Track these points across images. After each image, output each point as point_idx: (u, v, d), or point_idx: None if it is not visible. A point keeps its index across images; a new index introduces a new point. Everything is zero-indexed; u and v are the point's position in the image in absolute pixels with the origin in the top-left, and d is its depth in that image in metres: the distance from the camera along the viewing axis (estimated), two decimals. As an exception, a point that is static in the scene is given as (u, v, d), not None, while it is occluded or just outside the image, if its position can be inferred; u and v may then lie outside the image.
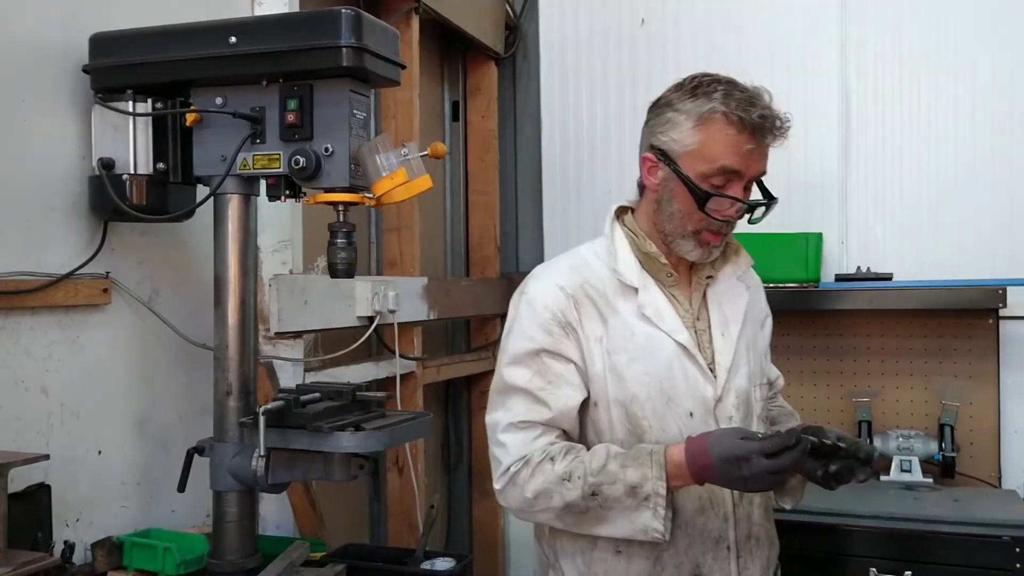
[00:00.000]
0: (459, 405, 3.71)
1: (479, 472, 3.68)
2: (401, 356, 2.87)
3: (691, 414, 1.53)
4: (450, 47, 3.65)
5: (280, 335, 2.22)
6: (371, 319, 2.55)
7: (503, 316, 3.62)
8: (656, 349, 1.53)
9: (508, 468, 1.47)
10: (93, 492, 1.78)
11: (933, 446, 2.95)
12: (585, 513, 1.44)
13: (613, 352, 1.51)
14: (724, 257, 1.63)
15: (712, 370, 1.56)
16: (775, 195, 1.55)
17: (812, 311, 3.25)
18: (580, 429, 1.54)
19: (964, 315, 3.07)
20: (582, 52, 3.60)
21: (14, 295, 1.58)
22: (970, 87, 3.09)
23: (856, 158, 3.24)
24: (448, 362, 3.26)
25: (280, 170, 1.58)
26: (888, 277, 3.03)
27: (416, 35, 2.97)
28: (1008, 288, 2.96)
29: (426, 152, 1.65)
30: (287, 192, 1.62)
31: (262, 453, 1.47)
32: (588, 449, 1.50)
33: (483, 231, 3.71)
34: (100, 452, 1.81)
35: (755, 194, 1.56)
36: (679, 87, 1.53)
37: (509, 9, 3.70)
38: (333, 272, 1.58)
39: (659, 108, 1.54)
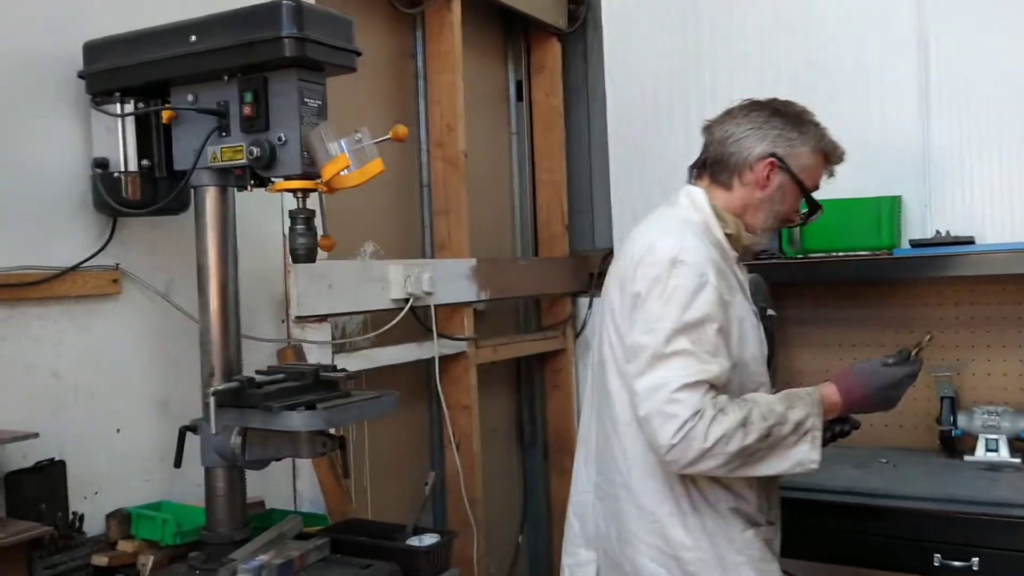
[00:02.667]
0: (532, 383, 3.72)
1: (556, 449, 3.68)
2: (449, 337, 2.93)
3: (762, 375, 1.81)
4: (512, 26, 3.64)
5: (302, 319, 2.30)
6: (406, 301, 2.61)
7: (575, 294, 3.73)
8: (753, 317, 1.81)
9: (685, 423, 1.58)
10: (111, 467, 1.92)
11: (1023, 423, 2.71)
12: (752, 455, 1.61)
13: (741, 319, 1.74)
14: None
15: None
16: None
17: (887, 280, 3.05)
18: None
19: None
20: (645, 24, 3.50)
21: (19, 287, 1.73)
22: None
23: (937, 115, 2.99)
24: (507, 341, 3.28)
25: (243, 161, 1.64)
26: (969, 240, 2.79)
27: (457, 18, 2.99)
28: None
29: (387, 136, 1.66)
30: (252, 182, 1.69)
31: (214, 431, 1.54)
32: (750, 396, 1.69)
33: (550, 209, 3.69)
34: (118, 430, 1.95)
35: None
36: (782, 108, 1.84)
37: (573, -16, 3.65)
38: (294, 257, 1.63)
39: (787, 122, 1.81)
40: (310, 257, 1.63)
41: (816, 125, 1.85)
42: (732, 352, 1.69)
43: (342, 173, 1.57)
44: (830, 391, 1.71)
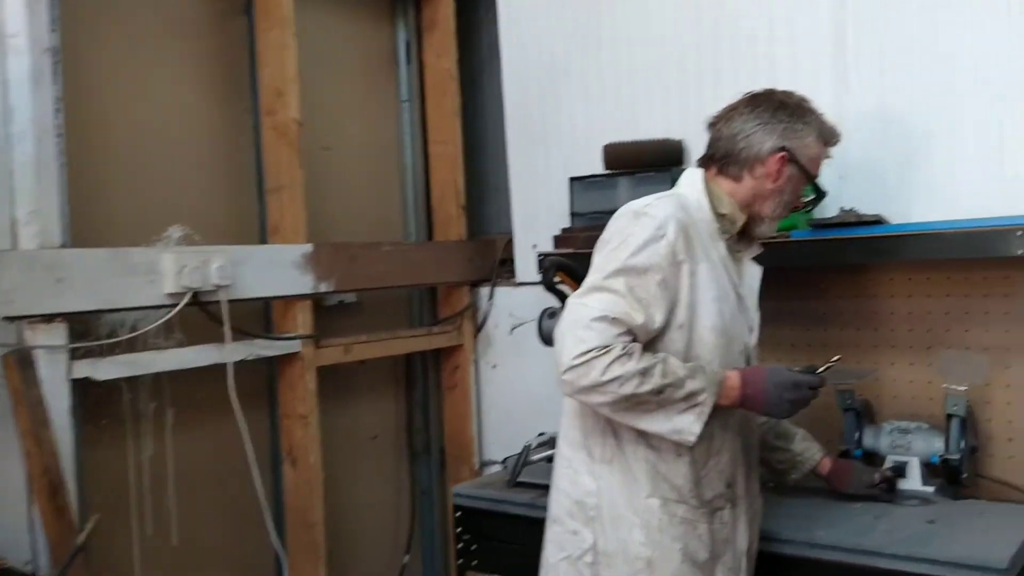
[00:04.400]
0: (426, 384, 3.32)
1: (453, 457, 3.29)
2: (269, 336, 2.56)
3: (739, 353, 1.83)
4: (398, -22, 3.22)
5: (22, 319, 1.95)
6: (193, 295, 2.24)
7: (474, 283, 3.31)
8: (728, 294, 1.80)
9: (591, 350, 1.61)
10: None
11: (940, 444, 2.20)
12: (639, 406, 1.64)
13: (705, 287, 1.74)
14: (748, 241, 1.93)
15: (749, 325, 1.89)
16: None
17: (782, 268, 2.55)
18: (658, 347, 1.71)
19: (991, 267, 2.26)
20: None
21: None
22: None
23: (856, 81, 2.46)
24: (386, 337, 2.88)
25: None
26: (876, 220, 2.27)
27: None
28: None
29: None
30: None
31: None
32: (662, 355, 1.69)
33: (444, 188, 3.27)
34: None
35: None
36: (785, 100, 1.88)
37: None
38: None
39: (792, 114, 1.86)
40: None
41: (814, 112, 1.89)
42: (678, 314, 1.72)
43: None
44: (733, 377, 1.73)
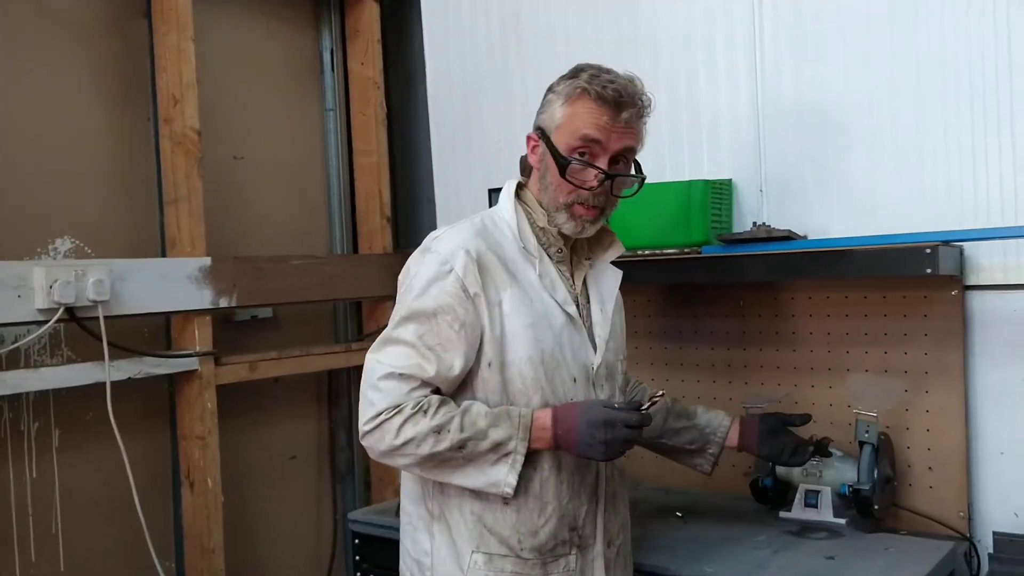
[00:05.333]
0: (351, 402, 3.21)
1: (378, 479, 3.17)
2: (165, 354, 2.45)
3: (575, 379, 1.63)
4: (322, -15, 3.13)
5: None
6: (68, 310, 2.13)
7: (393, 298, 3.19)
8: (550, 317, 1.61)
9: (380, 413, 1.51)
10: None
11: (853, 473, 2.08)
12: (446, 463, 1.52)
13: (513, 316, 1.58)
14: (601, 244, 1.75)
15: (592, 342, 1.67)
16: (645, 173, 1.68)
17: (692, 285, 2.45)
18: (469, 389, 1.58)
19: (909, 286, 2.15)
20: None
21: None
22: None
23: (773, 75, 2.36)
24: (278, 357, 2.76)
25: None
26: (786, 236, 2.16)
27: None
28: (968, 245, 2.04)
29: None
30: None
31: None
32: (466, 404, 1.55)
33: (369, 198, 3.16)
34: None
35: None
36: (563, 75, 1.64)
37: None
38: None
39: (545, 94, 1.65)
40: None
41: (573, 78, 1.61)
42: (485, 352, 1.57)
43: None
44: (543, 417, 1.55)
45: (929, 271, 1.89)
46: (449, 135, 3.03)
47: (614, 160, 1.61)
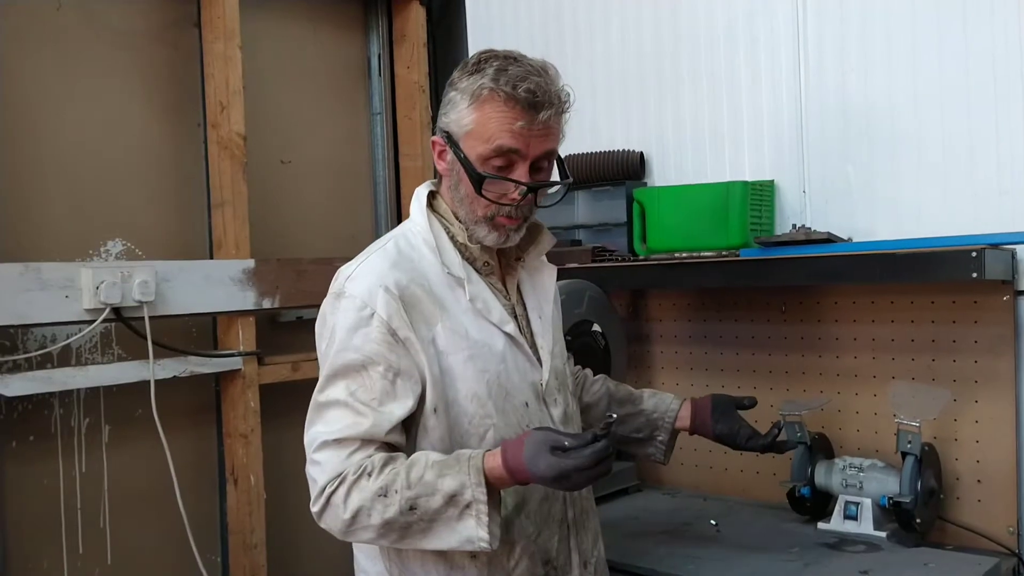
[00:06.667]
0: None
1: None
2: (209, 354, 2.51)
3: (527, 404, 1.49)
4: (372, -9, 3.16)
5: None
6: (115, 311, 2.19)
7: None
8: (490, 343, 1.46)
9: (324, 488, 1.36)
10: None
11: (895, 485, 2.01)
12: (408, 528, 1.34)
13: (450, 352, 1.42)
14: (530, 238, 1.55)
15: (536, 355, 1.53)
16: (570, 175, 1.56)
17: (731, 289, 2.40)
18: (416, 438, 1.42)
19: (959, 290, 2.07)
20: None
21: None
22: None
23: (817, 76, 2.30)
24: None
25: None
26: (826, 239, 2.10)
27: (229, -20, 2.53)
28: (1020, 248, 1.97)
29: None
30: None
31: None
32: (414, 456, 1.38)
33: (414, 202, 3.18)
34: None
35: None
36: (463, 65, 1.46)
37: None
38: None
39: (446, 88, 1.47)
40: None
41: (482, 71, 1.41)
42: (429, 397, 1.40)
43: None
44: (493, 456, 1.35)
45: (975, 275, 1.82)
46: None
47: (534, 166, 1.43)
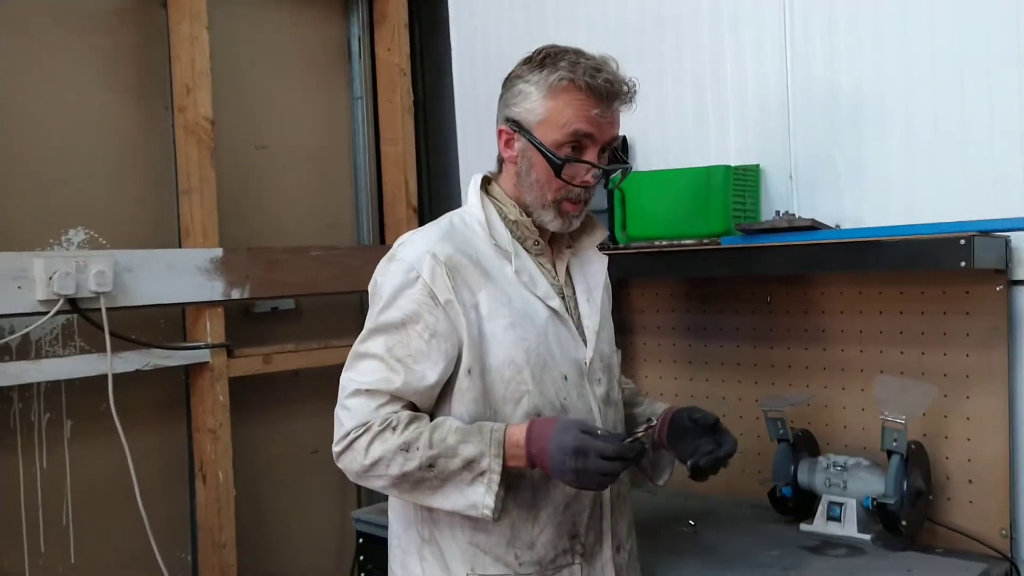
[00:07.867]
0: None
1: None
2: (173, 347, 2.43)
3: (566, 377, 1.53)
4: (351, -29, 3.07)
5: None
6: (71, 302, 2.12)
7: None
8: (532, 314, 1.52)
9: (348, 433, 1.44)
10: None
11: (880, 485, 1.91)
12: (421, 483, 1.43)
13: (491, 318, 1.49)
14: (583, 229, 1.64)
15: (582, 335, 1.57)
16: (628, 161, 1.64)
17: (714, 278, 2.30)
18: (446, 403, 1.49)
19: (950, 280, 1.97)
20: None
21: None
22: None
23: (803, 57, 2.19)
24: (295, 350, 2.71)
25: None
26: (809, 226, 1.99)
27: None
28: (1015, 236, 1.86)
29: None
30: None
31: None
32: (438, 420, 1.46)
33: (395, 188, 3.10)
34: None
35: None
36: (528, 60, 1.55)
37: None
38: None
39: (511, 82, 1.56)
40: None
41: (547, 66, 1.50)
42: (464, 359, 1.47)
43: None
44: (517, 433, 1.42)
45: (964, 264, 1.71)
46: (474, 122, 2.93)
47: (602, 151, 1.53)
